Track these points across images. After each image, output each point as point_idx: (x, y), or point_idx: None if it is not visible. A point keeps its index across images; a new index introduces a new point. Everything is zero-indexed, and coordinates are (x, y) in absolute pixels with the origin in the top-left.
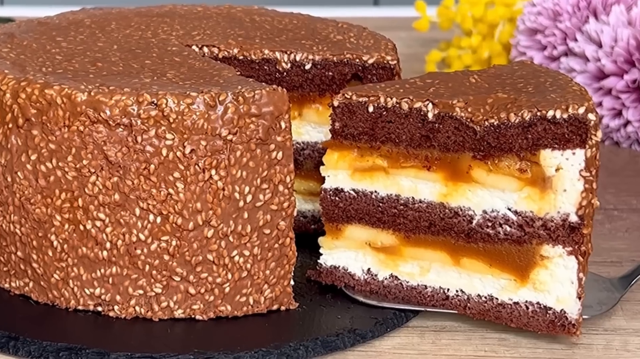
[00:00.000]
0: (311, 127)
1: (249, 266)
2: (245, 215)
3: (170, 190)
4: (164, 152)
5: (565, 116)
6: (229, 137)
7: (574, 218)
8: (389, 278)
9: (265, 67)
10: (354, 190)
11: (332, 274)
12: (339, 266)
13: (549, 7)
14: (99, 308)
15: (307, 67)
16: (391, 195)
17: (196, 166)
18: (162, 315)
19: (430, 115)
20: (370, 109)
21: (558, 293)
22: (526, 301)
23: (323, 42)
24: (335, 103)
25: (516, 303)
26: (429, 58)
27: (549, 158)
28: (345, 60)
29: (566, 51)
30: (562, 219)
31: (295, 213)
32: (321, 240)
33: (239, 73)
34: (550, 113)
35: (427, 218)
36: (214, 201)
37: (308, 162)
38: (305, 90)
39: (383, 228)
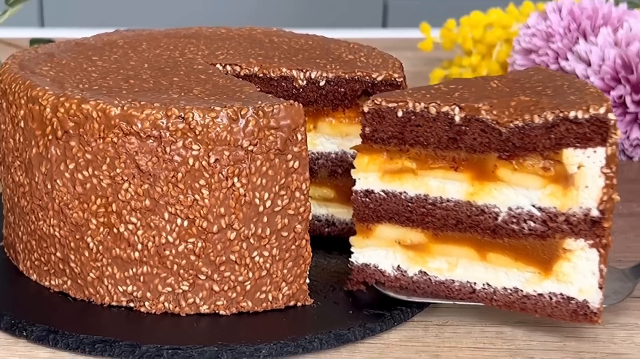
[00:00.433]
0: (325, 138)
1: (268, 265)
2: (265, 219)
3: (196, 196)
4: (191, 161)
5: (586, 116)
6: (250, 148)
7: (595, 213)
8: (418, 274)
9: (283, 84)
10: (383, 191)
11: (363, 271)
12: (370, 264)
13: (542, 29)
14: (131, 304)
15: (322, 83)
16: (420, 195)
17: (220, 174)
18: (189, 311)
19: (457, 119)
20: (400, 114)
21: (580, 284)
22: (550, 292)
23: (336, 61)
24: (366, 109)
25: (540, 294)
26: (432, 76)
27: (571, 156)
28: (356, 77)
29: (558, 69)
30: (584, 214)
31: (310, 217)
32: (352, 240)
33: (259, 89)
34: (572, 114)
35: (455, 216)
36: (236, 207)
37: (322, 170)
38: (320, 105)
39: (412, 226)
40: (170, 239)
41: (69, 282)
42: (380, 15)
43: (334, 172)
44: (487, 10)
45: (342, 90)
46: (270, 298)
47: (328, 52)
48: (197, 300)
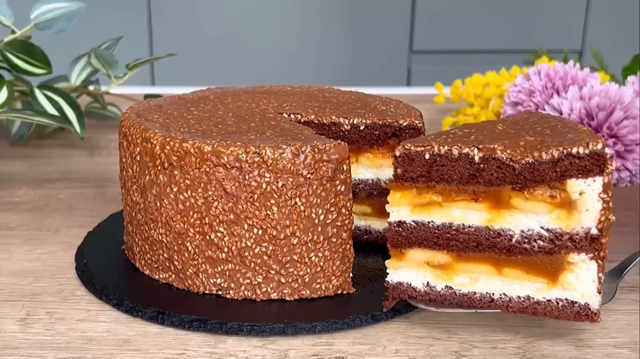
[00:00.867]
0: (364, 168)
1: (321, 263)
2: (319, 229)
3: (268, 212)
4: (264, 185)
5: (587, 151)
6: (308, 176)
7: (594, 231)
8: (445, 288)
9: (333, 128)
10: (414, 221)
11: (397, 289)
12: (403, 282)
13: (526, 87)
14: (219, 292)
15: (361, 128)
16: (445, 223)
17: (285, 195)
18: (262, 297)
19: (476, 158)
20: (427, 156)
21: (583, 291)
22: (557, 298)
23: (372, 111)
24: (397, 154)
25: (549, 300)
26: (444, 122)
27: (574, 185)
28: (387, 123)
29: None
30: (585, 232)
31: (352, 228)
32: (388, 263)
33: (315, 132)
34: (574, 150)
35: (475, 240)
36: (298, 220)
37: (362, 192)
38: (360, 144)
39: (439, 249)
40: (249, 244)
41: (173, 276)
42: (405, 77)
43: (371, 193)
44: (485, 72)
45: (377, 132)
46: (323, 287)
47: (366, 104)
48: (269, 289)
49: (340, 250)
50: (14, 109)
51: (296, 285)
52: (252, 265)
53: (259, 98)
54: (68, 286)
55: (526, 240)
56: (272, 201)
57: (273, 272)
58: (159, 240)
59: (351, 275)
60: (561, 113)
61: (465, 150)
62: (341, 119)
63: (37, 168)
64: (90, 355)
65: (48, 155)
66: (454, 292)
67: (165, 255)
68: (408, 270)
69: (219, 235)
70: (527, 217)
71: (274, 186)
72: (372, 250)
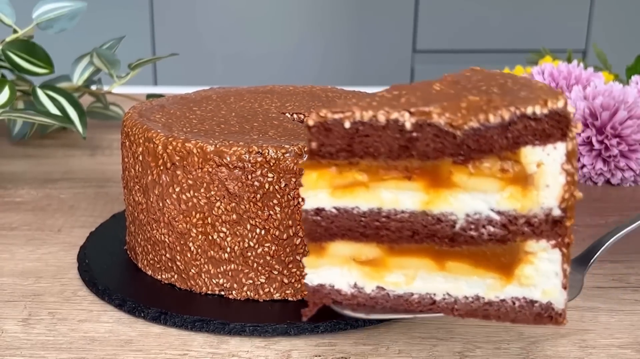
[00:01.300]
0: None
1: None
2: None
3: (271, 212)
4: (267, 185)
5: (545, 111)
6: None
7: (557, 212)
8: (376, 289)
9: None
10: (335, 207)
11: (319, 292)
12: (325, 284)
13: None
14: (222, 293)
15: None
16: (373, 208)
17: (288, 195)
18: (265, 297)
19: (407, 125)
20: (347, 125)
21: (544, 286)
22: (513, 297)
23: None
24: (311, 123)
25: (503, 300)
26: None
27: (530, 155)
28: None
29: None
30: (545, 214)
31: None
32: (305, 261)
33: None
34: (529, 110)
35: (410, 228)
36: (300, 220)
37: None
38: None
39: (366, 241)
40: (252, 244)
41: (175, 276)
42: (409, 76)
43: None
44: None
45: None
46: None
47: None
48: (271, 289)
49: None
50: (15, 109)
51: (299, 285)
52: (255, 265)
53: (261, 98)
54: (70, 286)
55: (472, 226)
56: (275, 201)
57: (276, 272)
58: (161, 240)
59: None
60: None
61: (394, 116)
62: None
63: (39, 168)
64: (92, 356)
65: (50, 155)
66: (387, 294)
67: (167, 255)
68: (330, 269)
69: (221, 235)
70: (473, 197)
71: (276, 186)
72: None
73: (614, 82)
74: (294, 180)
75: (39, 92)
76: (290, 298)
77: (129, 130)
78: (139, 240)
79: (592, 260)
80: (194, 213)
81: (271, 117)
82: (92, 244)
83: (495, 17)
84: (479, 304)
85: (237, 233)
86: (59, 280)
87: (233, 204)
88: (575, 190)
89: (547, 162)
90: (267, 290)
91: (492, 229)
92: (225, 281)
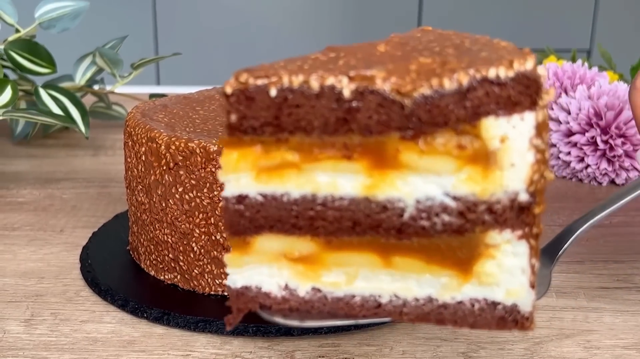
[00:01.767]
0: None
1: None
2: None
3: None
4: None
5: (511, 74)
6: None
7: (524, 197)
8: (311, 291)
9: None
10: (260, 194)
11: (243, 296)
12: (251, 286)
13: None
14: (225, 293)
15: None
16: (306, 195)
17: None
18: None
19: (346, 93)
20: (273, 93)
21: (508, 285)
22: (471, 299)
23: None
24: (228, 91)
25: (460, 302)
26: None
27: (493, 128)
28: None
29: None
30: (510, 199)
31: None
32: (227, 258)
33: None
34: (492, 73)
35: (351, 217)
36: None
37: None
38: None
39: (299, 234)
40: None
41: (178, 276)
42: None
43: None
44: None
45: None
46: None
47: None
48: None
49: None
50: (18, 109)
51: None
52: None
53: None
54: (72, 286)
55: (424, 215)
56: None
57: None
58: (164, 241)
59: None
60: (569, 113)
61: (330, 81)
62: None
63: (42, 168)
64: (94, 356)
65: (52, 155)
66: (324, 296)
67: (170, 255)
68: (257, 268)
69: (224, 235)
70: (424, 180)
71: None
72: None
73: (618, 81)
74: None
75: (42, 92)
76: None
77: (132, 130)
78: (141, 240)
79: (560, 251)
80: (197, 213)
81: None
82: (94, 244)
83: (499, 16)
84: (432, 306)
85: None
86: (62, 281)
87: None
88: (545, 170)
89: (513, 136)
90: None
91: (446, 218)
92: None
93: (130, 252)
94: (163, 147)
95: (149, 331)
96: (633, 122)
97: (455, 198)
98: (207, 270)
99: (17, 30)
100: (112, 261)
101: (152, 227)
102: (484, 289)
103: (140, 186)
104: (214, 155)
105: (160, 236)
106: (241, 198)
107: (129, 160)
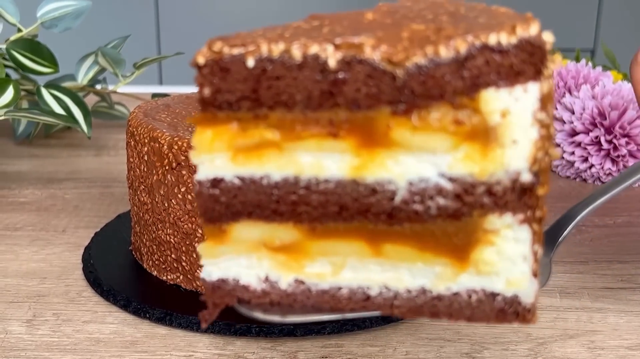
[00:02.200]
0: None
1: None
2: None
3: None
4: None
5: (513, 41)
6: None
7: (526, 177)
8: (294, 283)
9: None
10: (238, 177)
11: (220, 289)
12: (228, 278)
13: None
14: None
15: None
16: (288, 177)
17: None
18: None
19: (331, 62)
20: (250, 63)
21: (508, 274)
22: (468, 289)
23: None
24: (201, 61)
25: (456, 294)
26: None
27: (493, 100)
28: None
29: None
30: (511, 180)
31: None
32: (201, 248)
33: None
34: (492, 39)
35: (337, 201)
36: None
37: None
38: None
39: (281, 221)
40: None
41: (181, 277)
42: None
43: None
44: None
45: None
46: None
47: None
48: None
49: None
50: (20, 108)
51: None
52: None
53: None
54: (74, 287)
55: (417, 198)
56: None
57: None
58: (166, 241)
59: None
60: (573, 112)
61: (314, 50)
62: None
63: (44, 167)
64: (97, 357)
65: (55, 155)
66: (308, 289)
67: (173, 255)
68: (234, 258)
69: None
70: (418, 159)
71: None
72: None
73: (622, 81)
74: None
75: (44, 92)
76: None
77: (134, 129)
78: (144, 240)
79: (560, 237)
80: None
81: None
82: (97, 244)
83: None
84: (426, 298)
85: None
86: (64, 281)
87: None
88: (550, 147)
89: (515, 110)
90: None
91: (442, 201)
92: None
93: (133, 252)
94: (165, 146)
95: (151, 332)
96: (637, 122)
97: (451, 179)
98: None
99: (19, 30)
100: (115, 262)
101: (155, 227)
102: (482, 278)
103: (143, 186)
104: None
105: (162, 237)
106: (216, 182)
107: (131, 160)
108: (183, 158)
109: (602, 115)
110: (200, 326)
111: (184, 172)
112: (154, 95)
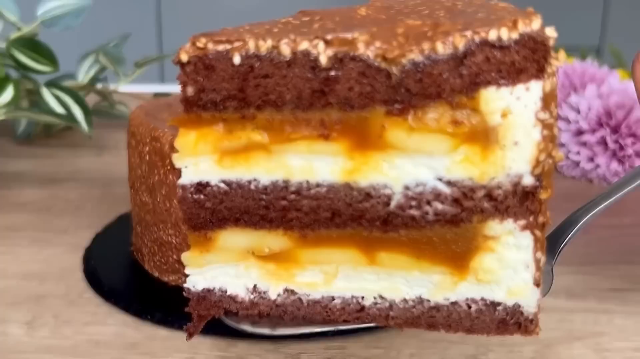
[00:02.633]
0: None
1: None
2: None
3: None
4: None
5: (514, 36)
6: None
7: (528, 180)
8: (284, 293)
9: None
10: (224, 181)
11: (205, 300)
12: (214, 289)
13: None
14: None
15: None
16: (277, 181)
17: None
18: None
19: (322, 60)
20: (237, 60)
21: (509, 283)
22: (467, 299)
23: None
24: (184, 58)
25: (454, 303)
26: None
27: (493, 100)
28: None
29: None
30: (512, 183)
31: None
32: (186, 257)
33: None
34: (493, 35)
35: (329, 207)
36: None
37: None
38: None
39: (270, 228)
40: None
41: (182, 278)
42: None
43: None
44: None
45: None
46: None
47: None
48: None
49: None
50: (20, 108)
51: None
52: None
53: None
54: (75, 288)
55: (413, 203)
56: None
57: None
58: (168, 241)
59: None
60: (579, 112)
61: (304, 46)
62: None
63: (44, 167)
64: None
65: (55, 155)
66: (299, 299)
67: (174, 256)
68: (221, 267)
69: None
70: (414, 162)
71: None
72: None
73: (629, 80)
74: None
75: (44, 91)
76: None
77: (135, 129)
78: (145, 241)
79: (562, 244)
80: None
81: None
82: (97, 245)
83: None
84: (423, 309)
85: None
86: (64, 282)
87: None
88: (554, 149)
89: (517, 110)
90: None
91: (439, 206)
92: None
93: (134, 253)
94: (167, 146)
95: (152, 334)
96: None
97: (449, 183)
98: None
99: (19, 28)
100: (116, 263)
101: (156, 228)
102: (482, 288)
103: (144, 187)
104: None
105: (164, 237)
106: (201, 187)
107: (132, 159)
108: None
109: (608, 114)
110: (202, 328)
111: None
112: (156, 95)
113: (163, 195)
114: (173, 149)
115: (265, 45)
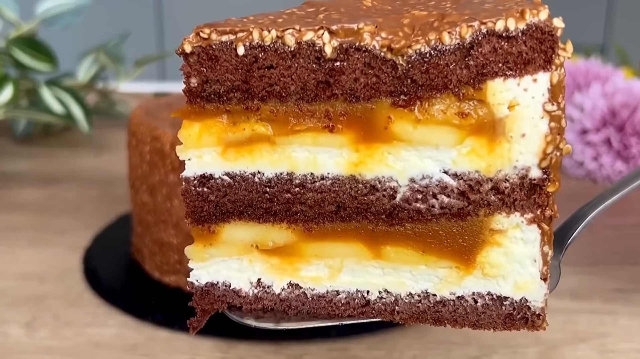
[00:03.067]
0: None
1: None
2: None
3: None
4: None
5: (522, 27)
6: None
7: (536, 173)
8: (288, 288)
9: None
10: (228, 174)
11: (209, 294)
12: (218, 283)
13: None
14: None
15: None
16: (281, 174)
17: None
18: None
19: (328, 50)
20: (241, 51)
21: (516, 277)
22: (474, 293)
23: None
24: (188, 49)
25: (460, 298)
26: None
27: (500, 91)
28: None
29: None
30: (520, 176)
31: None
32: (189, 251)
33: None
34: (500, 25)
35: (334, 200)
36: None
37: None
38: None
39: (274, 221)
40: None
41: (183, 278)
42: None
43: None
44: None
45: None
46: None
47: None
48: None
49: None
50: (19, 107)
51: None
52: None
53: None
54: (75, 289)
55: (419, 196)
56: None
57: None
58: (168, 242)
59: None
60: (583, 111)
61: (309, 37)
62: None
63: (43, 167)
64: None
65: (54, 154)
66: (304, 294)
67: (175, 256)
68: (224, 261)
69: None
70: (420, 155)
71: None
72: None
73: (634, 79)
74: None
75: (44, 90)
76: None
77: (136, 128)
78: (145, 241)
79: (569, 239)
80: None
81: None
82: (97, 246)
83: None
84: (429, 304)
85: None
86: (64, 283)
87: None
88: (562, 141)
89: (524, 102)
90: None
91: (446, 199)
92: None
93: (134, 254)
94: (167, 146)
95: (153, 335)
96: None
97: (455, 176)
98: None
99: (19, 27)
100: (115, 263)
101: (157, 228)
102: (489, 282)
103: (145, 187)
104: None
105: (164, 238)
106: (205, 179)
107: (132, 159)
108: None
109: (612, 113)
110: (203, 329)
111: None
112: (157, 94)
113: (164, 195)
114: (174, 148)
115: (270, 36)
